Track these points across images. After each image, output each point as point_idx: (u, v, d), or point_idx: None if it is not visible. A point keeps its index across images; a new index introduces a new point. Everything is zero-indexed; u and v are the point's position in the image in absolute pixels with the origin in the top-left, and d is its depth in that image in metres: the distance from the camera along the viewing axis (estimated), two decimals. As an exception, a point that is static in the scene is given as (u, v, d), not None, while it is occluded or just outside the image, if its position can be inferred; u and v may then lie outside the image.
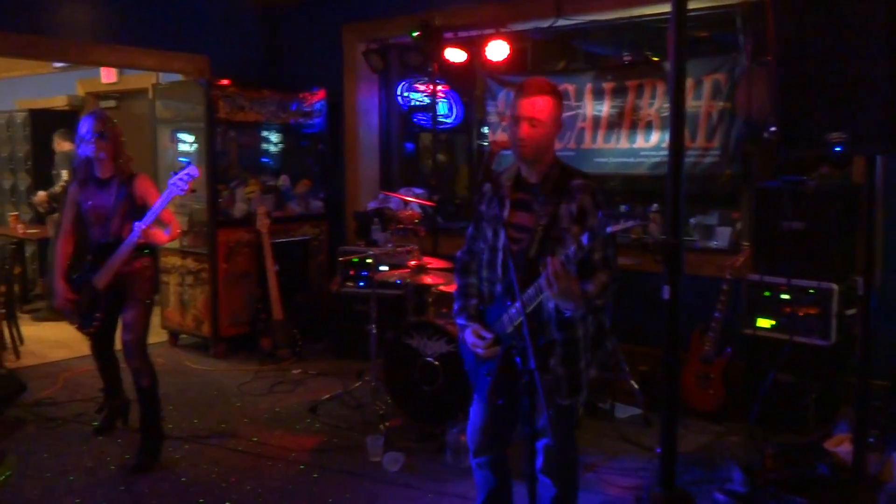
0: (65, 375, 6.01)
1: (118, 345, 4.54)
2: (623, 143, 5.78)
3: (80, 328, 4.55)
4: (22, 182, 9.28)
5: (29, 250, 8.65)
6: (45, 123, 9.23)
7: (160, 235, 4.34)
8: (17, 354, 6.53)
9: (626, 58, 6.05)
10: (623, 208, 5.66)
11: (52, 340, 7.09)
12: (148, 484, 4.16)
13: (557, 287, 2.59)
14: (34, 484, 4.15)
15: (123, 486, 4.13)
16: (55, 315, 5.19)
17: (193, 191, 4.39)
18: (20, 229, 8.32)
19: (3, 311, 6.44)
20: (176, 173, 4.24)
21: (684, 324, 4.11)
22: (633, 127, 5.72)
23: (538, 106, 2.81)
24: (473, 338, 2.98)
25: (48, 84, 9.83)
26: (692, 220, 5.69)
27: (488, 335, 2.93)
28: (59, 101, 9.70)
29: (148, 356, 4.48)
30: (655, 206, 5.63)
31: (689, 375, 4.94)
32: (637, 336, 5.38)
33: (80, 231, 4.56)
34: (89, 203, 4.41)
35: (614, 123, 5.81)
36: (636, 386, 5.05)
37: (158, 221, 4.31)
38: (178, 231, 4.56)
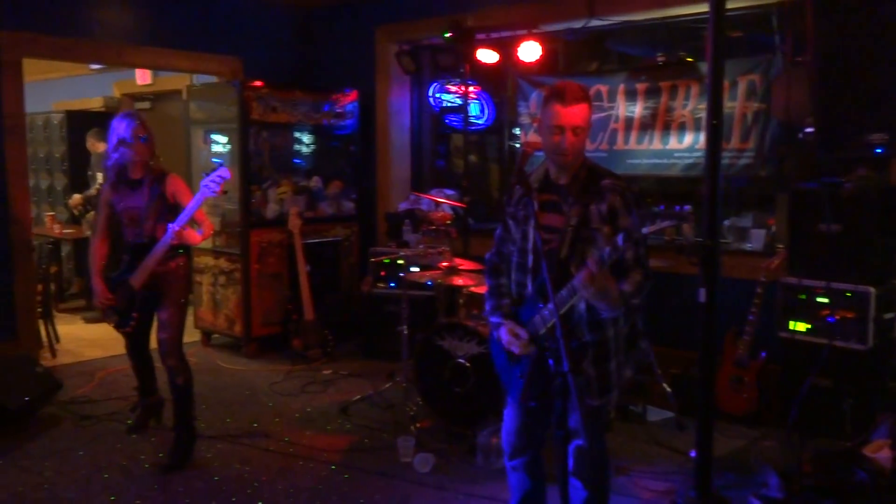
0: (100, 374, 6.08)
1: (153, 344, 4.58)
2: (656, 145, 5.73)
3: (117, 327, 4.60)
4: (58, 182, 9.41)
5: (65, 250, 8.76)
6: (81, 125, 9.34)
7: (194, 236, 4.37)
8: (54, 353, 6.61)
9: (660, 58, 5.99)
10: (658, 209, 5.61)
11: (88, 339, 7.18)
12: (181, 482, 4.19)
13: (594, 288, 2.57)
14: (69, 481, 4.20)
15: (157, 485, 4.16)
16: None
17: (225, 192, 4.41)
18: (56, 229, 8.44)
19: (40, 309, 6.52)
20: (208, 174, 4.27)
21: (718, 327, 4.08)
22: (667, 128, 5.67)
23: (579, 114, 2.80)
24: (509, 336, 2.95)
25: (85, 86, 9.97)
26: (726, 222, 5.63)
27: (524, 333, 2.91)
28: (95, 103, 9.82)
29: (183, 355, 4.52)
30: (688, 207, 5.58)
31: (723, 379, 4.88)
32: (669, 339, 5.33)
33: (114, 231, 4.61)
34: (122, 204, 4.45)
35: (647, 124, 5.76)
36: (668, 389, 5.00)
37: (192, 221, 4.34)
38: (211, 231, 4.58)
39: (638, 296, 2.75)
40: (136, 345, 4.72)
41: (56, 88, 10.26)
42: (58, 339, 6.80)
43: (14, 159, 6.02)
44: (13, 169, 6.02)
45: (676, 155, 5.64)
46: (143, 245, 4.37)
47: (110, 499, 3.99)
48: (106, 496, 4.02)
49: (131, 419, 4.97)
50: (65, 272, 8.82)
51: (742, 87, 5.23)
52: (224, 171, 4.25)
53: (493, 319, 3.08)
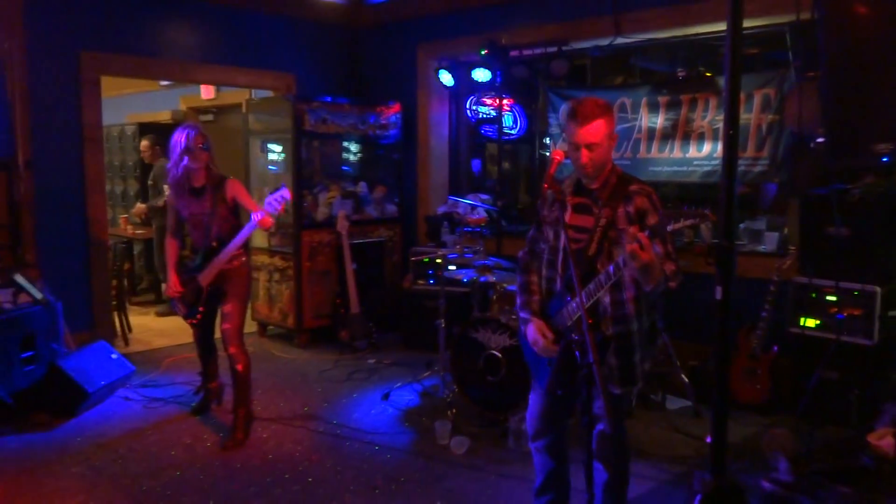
0: (167, 361, 6.18)
1: (218, 333, 4.66)
2: (676, 153, 5.70)
3: (185, 317, 4.70)
4: (131, 188, 9.58)
5: (137, 248, 8.90)
6: (152, 135, 9.53)
7: (268, 221, 4.35)
8: (127, 342, 6.73)
9: (681, 73, 5.95)
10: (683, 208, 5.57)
11: (157, 330, 7.30)
12: (239, 459, 4.26)
13: (642, 260, 2.56)
14: (140, 457, 4.29)
15: (218, 461, 4.24)
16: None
17: (286, 211, 4.44)
18: (129, 230, 8.59)
19: (115, 302, 6.66)
20: (272, 193, 4.32)
21: (733, 322, 4.04)
22: (686, 138, 5.63)
23: (592, 131, 2.81)
24: (536, 335, 2.97)
25: (155, 100, 10.12)
26: (742, 226, 5.58)
27: (550, 334, 2.92)
28: (164, 116, 9.97)
29: (243, 344, 4.58)
30: (707, 211, 5.53)
31: (737, 370, 4.84)
32: (688, 333, 5.30)
33: (182, 231, 4.72)
34: (187, 211, 4.51)
35: (668, 135, 5.73)
36: (686, 379, 4.97)
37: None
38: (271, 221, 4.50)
39: (674, 279, 2.74)
40: (202, 334, 4.80)
41: (129, 103, 10.43)
42: (130, 330, 6.92)
43: (92, 167, 6.15)
44: (91, 176, 6.15)
45: (695, 163, 5.60)
46: (212, 248, 4.45)
47: (176, 473, 4.07)
48: (172, 471, 4.10)
49: (195, 402, 5.05)
50: (136, 269, 8.97)
51: (757, 100, 5.17)
52: (285, 192, 4.29)
53: (523, 315, 3.10)
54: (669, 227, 2.48)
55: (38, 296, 5.08)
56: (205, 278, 4.49)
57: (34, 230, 5.78)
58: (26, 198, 5.68)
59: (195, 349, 4.93)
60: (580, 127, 2.81)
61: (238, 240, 4.38)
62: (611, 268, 2.70)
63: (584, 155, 2.82)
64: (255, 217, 4.28)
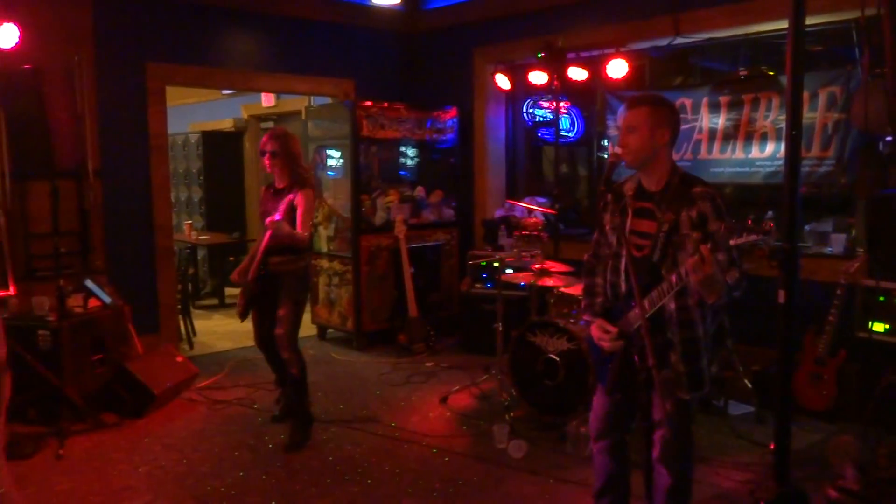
0: (230, 364, 6.31)
1: None
2: (738, 154, 5.59)
3: (239, 314, 4.76)
4: (195, 194, 9.83)
5: (200, 254, 9.12)
6: (214, 143, 9.78)
7: (284, 227, 4.40)
8: (191, 345, 6.90)
9: (742, 72, 5.84)
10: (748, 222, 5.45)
11: (220, 333, 7.47)
12: (300, 461, 4.33)
13: (703, 274, 2.53)
14: (205, 457, 4.40)
15: (280, 463, 4.31)
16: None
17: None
18: (194, 236, 8.80)
19: (180, 306, 6.83)
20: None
21: (798, 326, 3.95)
22: (749, 138, 5.52)
23: (634, 114, 2.84)
24: (599, 332, 2.96)
25: (217, 109, 10.35)
26: (807, 227, 5.44)
27: (612, 329, 2.91)
28: (226, 124, 10.20)
29: (296, 348, 4.61)
30: (770, 213, 5.42)
31: (803, 375, 4.72)
32: (751, 337, 5.18)
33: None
34: (263, 209, 4.67)
35: (730, 135, 5.63)
36: (749, 384, 4.87)
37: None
38: (306, 234, 4.58)
39: (738, 289, 2.68)
40: (261, 338, 4.83)
41: (193, 111, 10.69)
42: (194, 333, 7.10)
43: (158, 174, 6.33)
44: (157, 183, 6.32)
45: (758, 164, 5.49)
46: (270, 248, 4.54)
47: (239, 474, 4.16)
48: (236, 472, 4.19)
49: (276, 411, 5.02)
50: (200, 274, 9.19)
51: (822, 98, 5.05)
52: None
53: (586, 317, 3.11)
54: (732, 242, 2.43)
55: (108, 300, 5.26)
56: (251, 273, 4.58)
57: (103, 237, 5.98)
58: (95, 205, 5.88)
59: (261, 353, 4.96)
60: (625, 110, 2.88)
61: (260, 245, 4.50)
62: (673, 277, 2.67)
63: (621, 137, 2.86)
64: (268, 220, 4.39)
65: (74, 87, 5.59)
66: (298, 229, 4.47)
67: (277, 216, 4.33)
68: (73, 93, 5.56)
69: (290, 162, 4.58)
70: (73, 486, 3.99)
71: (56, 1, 5.60)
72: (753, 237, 2.41)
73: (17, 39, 4.69)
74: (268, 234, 4.44)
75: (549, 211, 6.22)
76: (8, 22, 4.62)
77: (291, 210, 4.48)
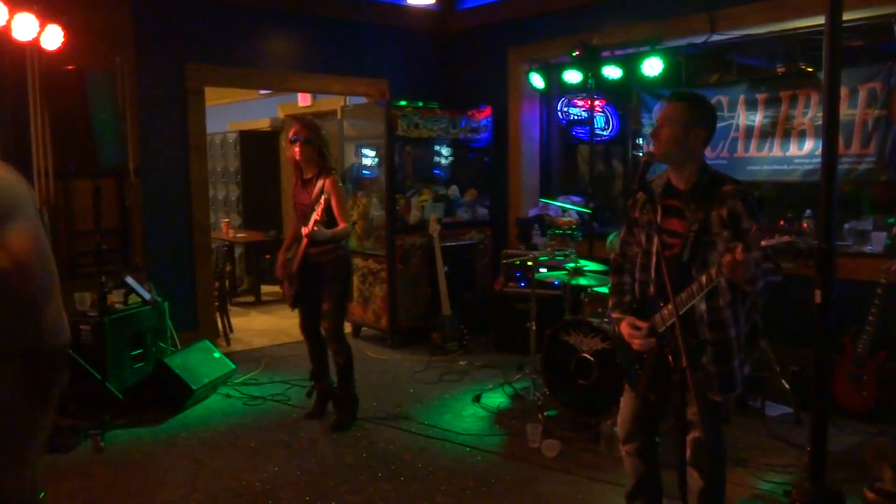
0: (266, 360, 6.37)
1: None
2: (776, 152, 5.51)
3: (286, 299, 4.90)
4: (233, 193, 9.95)
5: (238, 251, 9.22)
6: (251, 142, 9.89)
7: (324, 233, 4.50)
8: (228, 341, 6.98)
9: (780, 69, 5.75)
10: (782, 223, 5.37)
11: (257, 330, 7.55)
12: (334, 457, 4.36)
13: (737, 274, 2.50)
14: (240, 451, 4.45)
15: (314, 458, 4.35)
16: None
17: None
18: (231, 233, 8.92)
19: (217, 303, 6.92)
20: None
21: (838, 326, 3.88)
22: (787, 136, 5.44)
23: (670, 109, 2.83)
24: (629, 329, 2.92)
25: (254, 109, 10.46)
26: (847, 226, 5.34)
27: (642, 324, 2.87)
28: (263, 123, 10.31)
29: (343, 339, 4.77)
30: (809, 211, 5.33)
31: (842, 376, 4.64)
32: (789, 337, 5.11)
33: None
34: (296, 199, 4.76)
35: (767, 133, 5.55)
36: (787, 385, 4.80)
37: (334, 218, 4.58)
38: (341, 228, 4.64)
39: (774, 275, 2.64)
40: (307, 329, 4.91)
41: (230, 111, 10.82)
42: (231, 329, 7.17)
43: (196, 173, 6.42)
44: (196, 181, 6.42)
45: (797, 161, 5.41)
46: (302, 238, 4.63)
47: (274, 469, 4.20)
48: (271, 466, 4.24)
49: (308, 407, 5.07)
50: (237, 271, 9.30)
51: (862, 94, 4.95)
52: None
53: (615, 315, 3.08)
54: (764, 243, 2.38)
55: (147, 296, 5.34)
56: (294, 265, 4.69)
57: (143, 234, 6.09)
58: (135, 204, 5.99)
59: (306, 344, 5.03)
60: (663, 104, 2.89)
61: (304, 241, 4.57)
62: (703, 278, 2.64)
63: (654, 130, 2.85)
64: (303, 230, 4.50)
65: (116, 88, 5.69)
66: (339, 222, 4.58)
67: (311, 222, 4.40)
68: (114, 93, 5.66)
69: (320, 150, 4.65)
70: (112, 479, 4.07)
71: (98, 4, 5.73)
72: (786, 238, 2.37)
73: (61, 41, 4.79)
74: (304, 241, 4.53)
75: (583, 210, 6.19)
76: (53, 24, 4.71)
77: (322, 198, 4.53)
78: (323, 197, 4.49)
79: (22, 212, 2.46)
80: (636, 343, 2.90)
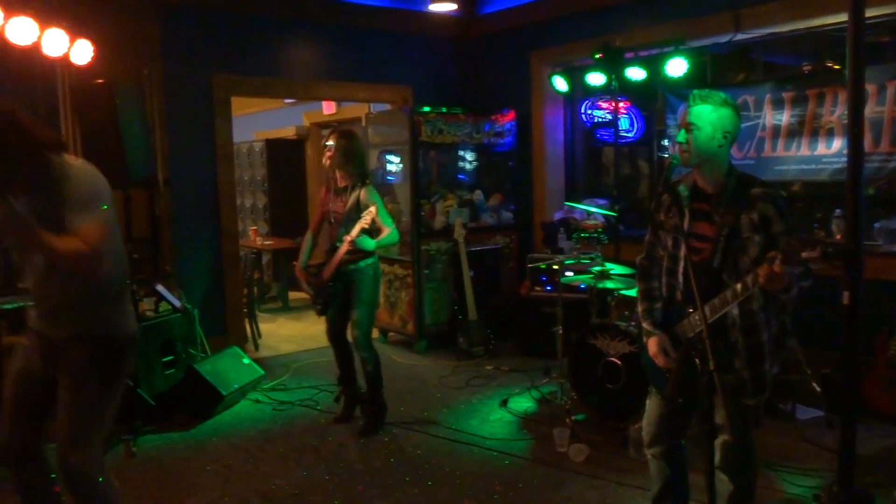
0: (294, 366, 6.43)
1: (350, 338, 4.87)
2: (804, 151, 5.45)
3: (314, 307, 4.93)
4: (259, 201, 10.05)
5: (265, 258, 9.32)
6: (278, 151, 9.98)
7: (365, 242, 4.58)
8: (257, 347, 7.05)
9: (806, 67, 5.69)
10: (821, 234, 5.30)
11: (285, 335, 7.61)
12: (362, 462, 4.39)
13: (775, 286, 2.49)
14: (269, 456, 4.50)
15: (342, 463, 4.38)
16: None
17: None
18: (259, 241, 9.00)
19: (245, 310, 7.00)
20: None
21: (869, 327, 3.83)
22: (815, 134, 5.38)
23: (696, 113, 2.76)
24: (658, 350, 2.90)
25: (280, 117, 10.56)
26: (876, 225, 5.26)
27: (673, 352, 2.85)
28: (288, 132, 10.39)
29: (371, 347, 4.80)
30: (838, 210, 5.27)
31: (875, 379, 4.58)
32: (820, 339, 5.03)
33: (319, 228, 4.98)
34: (326, 207, 4.81)
35: (794, 132, 5.49)
36: (818, 388, 4.74)
37: (376, 229, 4.61)
38: (385, 233, 4.69)
39: (806, 279, 2.60)
40: (334, 336, 4.96)
41: (256, 120, 10.93)
42: (260, 335, 7.24)
43: (224, 182, 6.50)
44: (223, 190, 6.50)
45: (825, 160, 5.34)
46: (335, 247, 4.69)
47: (303, 474, 4.24)
48: (300, 471, 4.27)
49: (336, 412, 5.12)
50: (265, 278, 9.39)
51: (891, 91, 4.88)
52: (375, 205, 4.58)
53: (645, 325, 3.02)
54: (804, 255, 2.34)
55: (177, 304, 5.42)
56: (325, 272, 4.73)
57: (172, 243, 6.18)
58: (165, 213, 6.08)
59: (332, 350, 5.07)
60: (689, 107, 2.80)
61: (341, 249, 4.61)
62: (738, 286, 2.60)
63: (682, 135, 2.77)
64: (344, 239, 4.57)
65: (144, 100, 5.79)
66: (382, 229, 4.65)
67: (357, 230, 4.48)
68: (143, 105, 5.75)
69: (354, 159, 4.68)
70: (144, 483, 4.13)
71: (126, 18, 5.83)
72: (815, 253, 2.31)
73: (90, 56, 4.88)
74: (344, 248, 4.57)
75: (608, 213, 6.17)
76: (82, 39, 4.81)
77: (357, 210, 4.58)
78: (369, 207, 4.54)
79: (99, 205, 2.64)
80: (660, 361, 2.90)
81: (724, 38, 5.80)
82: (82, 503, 2.77)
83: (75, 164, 2.69)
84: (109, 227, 2.68)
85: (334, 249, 4.70)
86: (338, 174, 4.74)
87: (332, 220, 4.78)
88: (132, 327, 2.91)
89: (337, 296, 4.78)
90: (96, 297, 2.74)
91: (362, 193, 4.63)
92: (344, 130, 4.80)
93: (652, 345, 2.94)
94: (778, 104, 5.57)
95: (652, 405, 3.09)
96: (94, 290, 2.71)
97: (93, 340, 2.74)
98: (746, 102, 5.69)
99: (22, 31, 4.40)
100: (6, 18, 4.30)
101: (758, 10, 5.48)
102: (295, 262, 5.00)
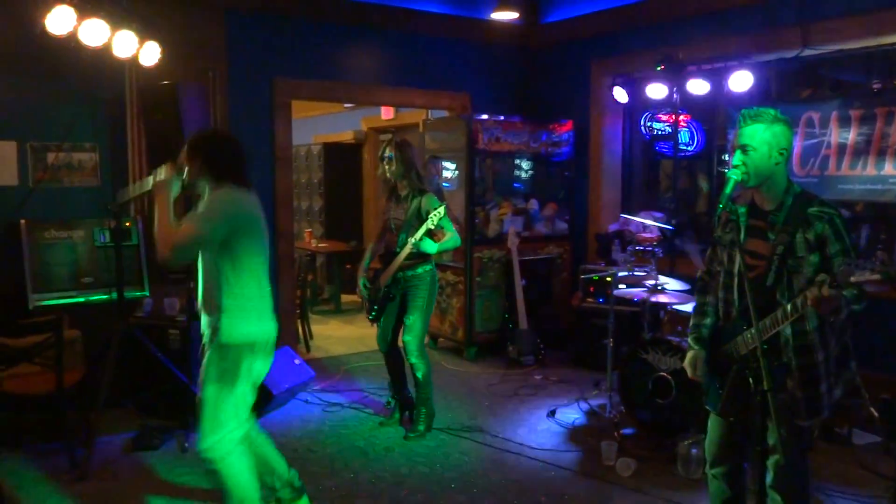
0: (343, 368, 6.51)
1: (400, 342, 4.90)
2: (870, 170, 5.32)
3: (367, 314, 4.99)
4: (315, 204, 10.19)
5: (319, 261, 9.44)
6: (335, 154, 10.12)
7: (427, 245, 4.62)
8: (308, 348, 7.15)
9: (876, 85, 5.55)
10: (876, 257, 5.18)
11: (336, 338, 7.70)
12: (408, 467, 4.42)
13: (822, 311, 2.49)
14: (317, 456, 4.56)
15: (388, 467, 4.42)
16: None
17: (440, 228, 4.67)
18: (313, 243, 9.13)
19: (298, 311, 7.09)
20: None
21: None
22: (882, 154, 5.24)
23: (750, 133, 2.73)
24: (689, 361, 3.00)
25: (338, 121, 10.70)
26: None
27: (699, 370, 2.97)
28: (346, 136, 10.53)
29: (424, 353, 4.82)
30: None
31: (938, 407, 4.44)
32: (881, 363, 4.91)
33: (385, 235, 5.05)
34: (388, 214, 4.89)
35: (861, 150, 5.36)
36: (876, 413, 4.61)
37: (436, 234, 4.65)
38: (447, 237, 4.74)
39: (857, 302, 2.56)
40: (383, 339, 5.00)
41: (315, 124, 11.09)
42: (311, 337, 7.34)
43: (282, 185, 6.61)
44: (281, 192, 6.60)
45: (891, 181, 5.20)
46: (395, 253, 4.74)
47: (350, 476, 4.29)
48: (347, 473, 4.33)
49: (385, 416, 5.18)
50: (319, 280, 9.52)
51: (964, 111, 4.74)
52: (441, 209, 4.58)
53: (689, 339, 3.07)
54: (853, 280, 2.30)
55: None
56: (383, 278, 4.79)
57: (230, 242, 6.28)
58: (224, 213, 6.19)
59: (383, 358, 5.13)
60: (740, 127, 2.76)
61: (402, 253, 4.65)
62: (788, 307, 2.58)
63: (738, 156, 2.74)
64: (407, 241, 4.61)
65: (208, 102, 5.93)
66: (445, 235, 4.70)
67: (419, 235, 4.54)
68: (206, 107, 5.89)
69: (413, 168, 4.76)
70: (194, 479, 4.22)
71: (193, 21, 5.98)
72: (876, 277, 2.26)
73: (158, 57, 5.03)
74: (406, 249, 4.63)
75: (664, 226, 6.10)
76: (150, 41, 4.95)
77: (418, 217, 4.64)
78: (431, 212, 4.58)
79: (250, 232, 3.37)
80: (689, 372, 3.00)
81: (791, 54, 5.69)
82: None
83: (219, 190, 3.31)
84: (258, 255, 3.45)
85: (393, 255, 4.75)
86: (399, 183, 4.80)
87: (394, 228, 4.85)
88: (251, 338, 3.38)
89: (392, 302, 4.83)
90: (232, 311, 3.35)
91: (423, 200, 4.68)
92: (401, 141, 4.86)
93: (688, 357, 3.00)
94: (844, 122, 5.45)
95: (712, 425, 3.07)
96: (232, 305, 3.34)
97: (222, 347, 3.33)
98: (811, 119, 5.58)
99: (94, 32, 4.55)
100: (79, 21, 4.45)
101: (827, 26, 5.37)
102: (349, 265, 5.09)
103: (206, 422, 3.24)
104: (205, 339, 3.33)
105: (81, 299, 5.19)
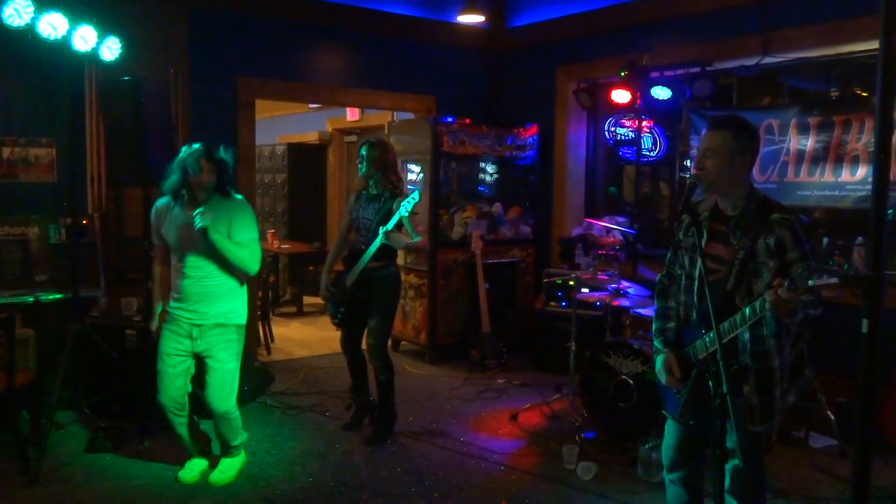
0: (305, 371, 6.44)
1: (364, 345, 4.86)
2: (828, 177, 5.41)
3: (331, 317, 4.94)
4: (279, 205, 10.10)
5: (282, 262, 9.35)
6: (299, 155, 10.04)
7: (403, 238, 4.60)
8: (269, 351, 7.07)
9: (834, 93, 5.66)
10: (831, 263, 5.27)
11: (297, 340, 7.63)
12: (368, 470, 4.39)
13: (780, 312, 2.51)
14: (276, 461, 4.50)
15: (348, 470, 4.38)
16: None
17: (416, 213, 4.61)
18: (276, 244, 9.04)
19: (259, 313, 7.01)
20: (403, 199, 4.52)
21: (887, 358, 3.78)
22: (839, 161, 5.34)
23: (713, 138, 2.78)
24: (664, 368, 2.94)
25: (303, 122, 10.64)
26: (899, 255, 5.21)
27: (678, 372, 2.89)
28: (311, 137, 10.47)
29: (387, 356, 4.79)
30: (860, 238, 5.23)
31: (891, 409, 4.52)
32: (836, 367, 4.99)
33: (348, 236, 5.01)
34: (357, 213, 4.82)
35: (819, 157, 5.46)
36: (832, 416, 4.69)
37: (409, 230, 4.61)
38: (420, 234, 4.76)
39: (814, 308, 2.60)
40: (348, 342, 4.96)
41: (280, 124, 11.01)
42: (272, 339, 7.26)
43: (245, 185, 6.51)
44: (243, 192, 6.35)
45: (849, 187, 5.30)
46: (361, 250, 4.68)
47: (308, 480, 4.24)
48: (305, 477, 4.27)
49: (348, 419, 5.10)
50: (280, 281, 9.44)
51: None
52: (415, 195, 4.50)
53: (656, 344, 3.05)
54: (811, 283, 2.34)
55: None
56: (349, 279, 4.74)
57: (190, 242, 6.19)
58: (185, 212, 6.10)
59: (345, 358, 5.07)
60: (706, 132, 2.82)
61: (376, 242, 4.59)
62: (747, 311, 2.61)
63: (698, 160, 2.79)
64: (382, 231, 4.54)
65: (169, 99, 5.84)
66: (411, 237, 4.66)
67: (386, 227, 4.50)
68: (167, 104, 5.80)
69: (390, 169, 4.73)
70: (149, 482, 4.15)
71: (156, 17, 5.89)
72: (833, 280, 2.31)
73: (118, 52, 4.94)
74: (376, 244, 4.58)
75: (627, 230, 6.15)
76: (111, 36, 4.86)
77: (388, 217, 4.59)
78: (389, 213, 4.57)
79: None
80: (664, 381, 2.94)
81: (751, 61, 5.77)
82: None
83: (233, 200, 4.11)
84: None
85: (358, 254, 4.70)
86: (371, 182, 4.76)
87: (361, 227, 4.79)
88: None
89: (357, 303, 4.78)
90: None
91: (396, 203, 4.62)
92: (379, 140, 4.81)
93: (659, 362, 2.97)
94: (803, 129, 5.54)
95: (669, 430, 3.08)
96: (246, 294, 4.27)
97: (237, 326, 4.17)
98: (771, 126, 5.67)
99: (53, 25, 4.46)
100: (38, 13, 4.36)
101: (787, 34, 5.46)
102: (312, 267, 5.04)
103: (229, 389, 4.08)
104: (207, 322, 3.97)
105: (33, 298, 5.07)
